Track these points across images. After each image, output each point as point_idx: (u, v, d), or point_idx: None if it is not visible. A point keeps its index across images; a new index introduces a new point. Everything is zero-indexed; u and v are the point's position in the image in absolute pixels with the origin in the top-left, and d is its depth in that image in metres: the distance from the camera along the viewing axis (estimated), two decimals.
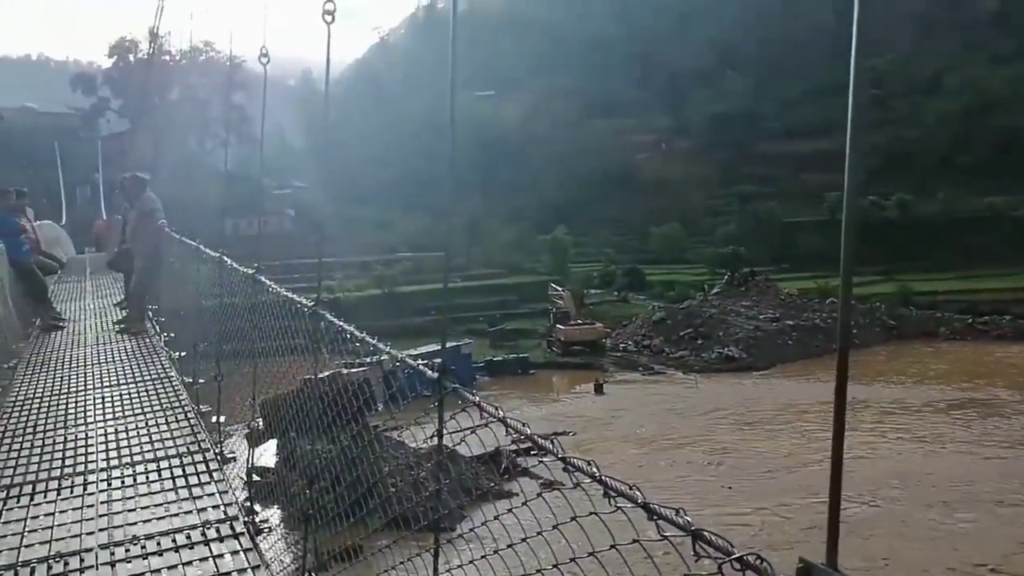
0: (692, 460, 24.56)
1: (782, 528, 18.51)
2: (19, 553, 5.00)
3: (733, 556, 1.55)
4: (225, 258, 7.11)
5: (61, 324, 12.74)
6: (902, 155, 66.89)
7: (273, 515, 6.86)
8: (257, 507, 5.87)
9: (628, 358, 45.72)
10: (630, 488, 1.96)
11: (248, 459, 6.20)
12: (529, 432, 2.47)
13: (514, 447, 20.47)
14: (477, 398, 2.77)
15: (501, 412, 2.62)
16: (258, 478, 6.09)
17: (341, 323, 4.07)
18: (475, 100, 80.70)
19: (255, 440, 6.64)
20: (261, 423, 9.09)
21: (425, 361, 3.05)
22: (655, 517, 1.77)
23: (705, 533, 1.64)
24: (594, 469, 2.08)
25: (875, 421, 28.10)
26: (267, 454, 14.05)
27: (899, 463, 23.59)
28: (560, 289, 50.91)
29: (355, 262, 54.28)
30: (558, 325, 47.36)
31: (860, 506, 19.41)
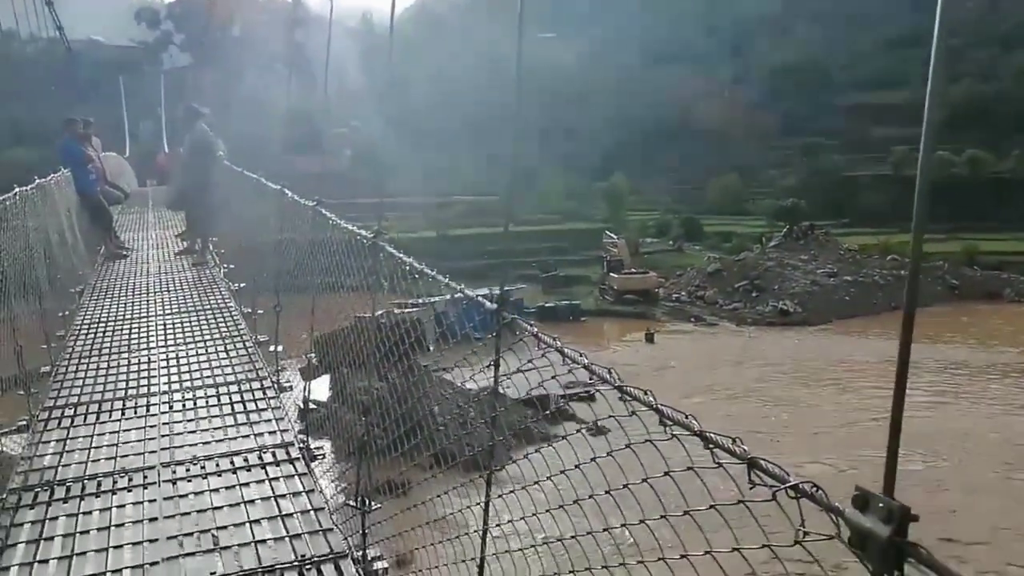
0: (745, 412, 24.41)
1: (837, 481, 18.34)
2: (86, 468, 5.18)
3: (788, 484, 1.50)
4: (286, 190, 7.14)
5: (125, 253, 13.05)
6: (976, 110, 64.30)
7: (325, 447, 6.98)
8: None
9: (681, 309, 45.35)
10: (686, 417, 1.92)
11: (304, 389, 6.30)
12: (586, 362, 2.43)
13: (563, 392, 20.53)
14: (535, 329, 2.75)
15: (559, 342, 2.60)
16: (314, 406, 6.17)
17: (400, 254, 4.07)
18: (536, 42, 79.52)
19: (309, 374, 6.73)
20: (315, 358, 9.23)
21: (484, 293, 3.03)
22: (711, 446, 1.73)
23: (760, 461, 1.60)
24: (650, 399, 2.04)
25: (936, 381, 27.53)
26: (320, 388, 14.30)
27: (960, 424, 23.15)
28: (615, 237, 50.46)
29: (410, 203, 54.44)
30: (611, 273, 47.06)
31: (923, 464, 19.14)
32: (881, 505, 1.28)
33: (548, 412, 22.40)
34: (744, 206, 67.42)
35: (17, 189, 7.54)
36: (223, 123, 17.95)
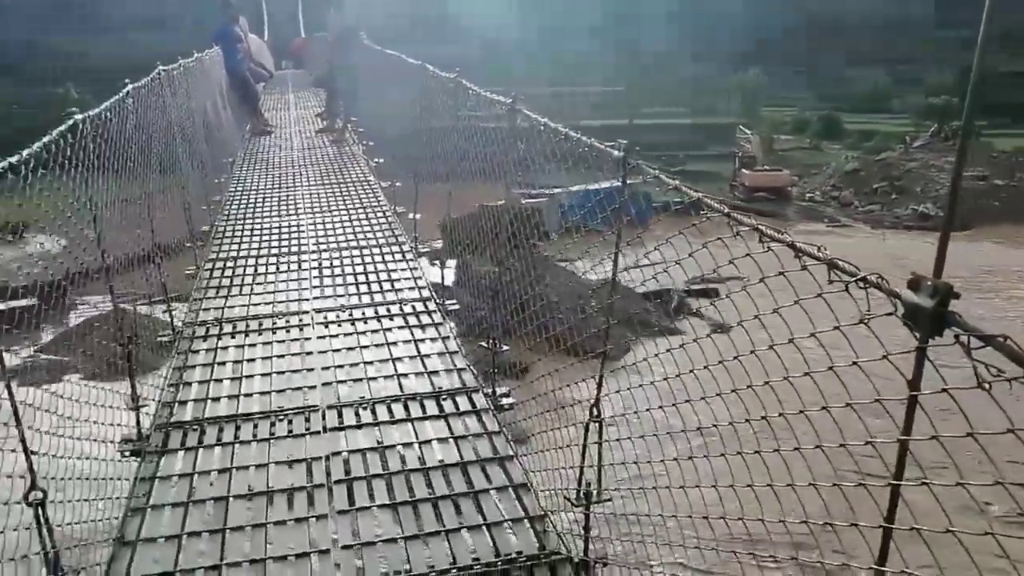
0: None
1: None
2: (247, 310, 5.78)
3: (858, 277, 1.71)
4: (428, 65, 7.39)
5: (270, 130, 13.73)
6: None
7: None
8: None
9: (814, 209, 43.81)
10: (820, 249, 2.09)
11: (444, 251, 6.70)
12: (727, 210, 2.54)
13: (684, 289, 20.48)
14: (663, 175, 2.93)
15: (699, 193, 2.76)
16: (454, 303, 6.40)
17: (536, 116, 4.26)
18: None
19: (440, 255, 7.05)
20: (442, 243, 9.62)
21: (611, 143, 3.22)
22: (800, 254, 1.92)
23: (838, 262, 1.80)
24: (788, 237, 2.20)
25: None
26: (448, 271, 14.77)
27: None
28: (748, 132, 48.74)
29: (536, 94, 53.90)
30: (743, 170, 45.68)
31: None
32: (928, 283, 1.50)
33: (672, 309, 22.57)
34: (890, 103, 63.47)
35: (180, 61, 8.09)
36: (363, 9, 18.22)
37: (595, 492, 3.35)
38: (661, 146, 48.52)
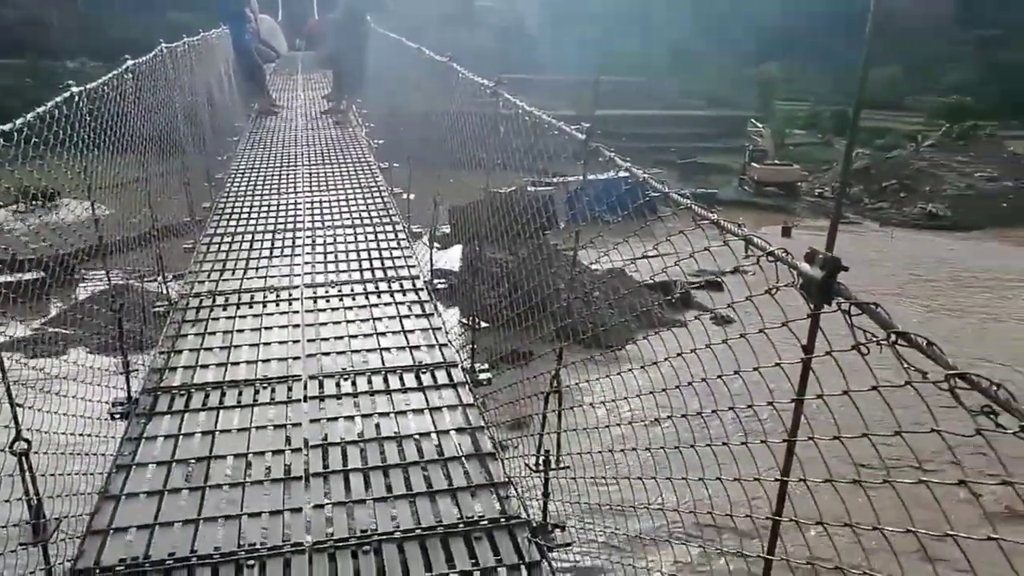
0: (898, 313, 23.73)
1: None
2: (241, 283, 5.96)
3: (768, 251, 1.86)
4: (423, 48, 7.52)
5: (276, 110, 13.87)
6: None
7: (454, 314, 7.39)
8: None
9: (822, 204, 43.75)
10: (739, 227, 2.24)
11: (432, 228, 6.85)
12: (715, 218, 2.59)
13: (687, 280, 20.56)
14: (631, 165, 3.07)
15: (663, 186, 2.90)
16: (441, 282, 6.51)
17: (519, 101, 4.39)
18: None
19: (442, 243, 7.14)
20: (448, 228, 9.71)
21: (576, 127, 3.34)
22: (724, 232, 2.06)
23: (753, 238, 1.94)
24: (744, 231, 2.33)
25: None
26: (452, 258, 14.95)
27: None
28: (760, 126, 48.62)
29: (555, 81, 53.87)
30: (753, 163, 45.62)
31: None
32: (820, 257, 1.65)
33: (671, 300, 22.59)
34: (904, 101, 63.15)
35: (185, 38, 8.25)
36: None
37: (553, 459, 3.51)
38: (674, 137, 48.54)
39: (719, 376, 2.25)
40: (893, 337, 1.51)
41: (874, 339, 1.54)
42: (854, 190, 44.26)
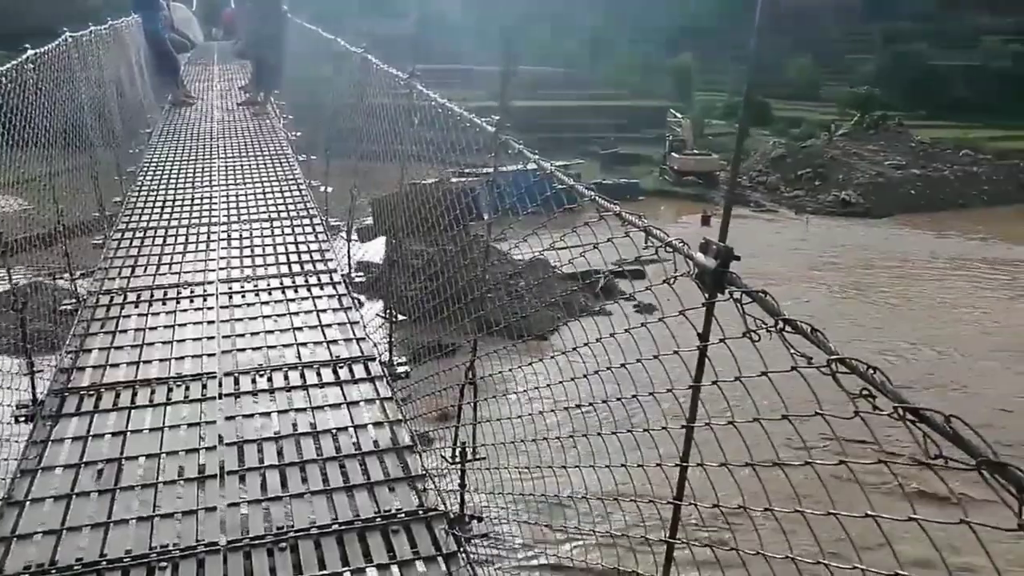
0: (811, 298, 24.40)
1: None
2: (154, 279, 5.81)
3: (666, 242, 1.92)
4: (338, 39, 7.45)
5: (191, 101, 13.53)
6: None
7: (376, 307, 7.34)
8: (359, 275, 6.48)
9: (740, 193, 44.67)
10: (639, 218, 2.30)
11: (349, 220, 6.79)
12: (617, 210, 2.62)
13: (609, 269, 20.87)
14: (538, 157, 3.10)
15: (569, 180, 2.94)
16: (360, 275, 6.47)
17: (432, 94, 4.40)
18: None
19: (364, 236, 7.10)
20: (371, 220, 9.59)
21: (486, 119, 3.37)
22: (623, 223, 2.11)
23: (652, 229, 2.00)
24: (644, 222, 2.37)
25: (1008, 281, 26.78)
26: (374, 251, 14.83)
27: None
28: (679, 116, 49.39)
29: (475, 71, 53.74)
30: (673, 153, 46.33)
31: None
32: (714, 247, 1.71)
33: (588, 282, 22.89)
34: (818, 92, 64.98)
35: (92, 28, 7.98)
36: None
37: (470, 451, 3.54)
38: (595, 127, 48.96)
39: (622, 364, 2.30)
40: (780, 324, 1.57)
41: (764, 326, 1.61)
42: (771, 178, 45.42)
